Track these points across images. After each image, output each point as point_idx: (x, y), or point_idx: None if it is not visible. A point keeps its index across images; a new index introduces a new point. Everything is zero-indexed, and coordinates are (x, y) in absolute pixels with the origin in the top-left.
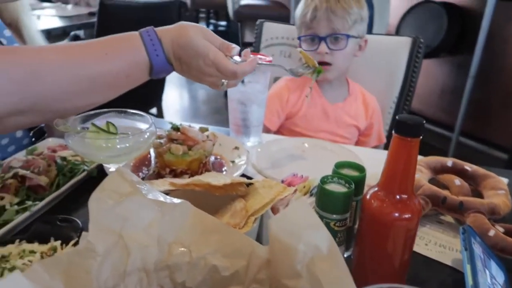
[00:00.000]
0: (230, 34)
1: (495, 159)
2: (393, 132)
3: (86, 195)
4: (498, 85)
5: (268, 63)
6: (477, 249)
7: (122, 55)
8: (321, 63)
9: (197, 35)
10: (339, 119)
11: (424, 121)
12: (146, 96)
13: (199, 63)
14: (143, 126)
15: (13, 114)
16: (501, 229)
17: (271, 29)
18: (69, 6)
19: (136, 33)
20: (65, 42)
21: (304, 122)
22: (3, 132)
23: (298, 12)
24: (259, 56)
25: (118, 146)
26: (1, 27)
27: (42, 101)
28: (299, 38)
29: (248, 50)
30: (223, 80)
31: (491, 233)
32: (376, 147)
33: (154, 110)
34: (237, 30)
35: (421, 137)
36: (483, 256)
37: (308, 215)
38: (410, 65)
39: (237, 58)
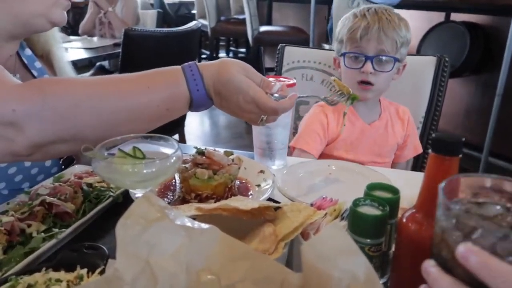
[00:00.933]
0: (250, 60)
1: None
2: (429, 151)
3: (112, 221)
4: None
5: (306, 96)
6: None
7: (164, 89)
8: (363, 82)
9: (238, 72)
10: (378, 137)
11: (464, 139)
12: (168, 122)
13: (239, 99)
14: (169, 151)
15: (55, 143)
16: None
17: (292, 53)
18: (95, 39)
19: (178, 67)
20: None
21: (343, 145)
22: (42, 159)
23: (343, 27)
24: (281, 78)
25: (145, 171)
26: (32, 59)
27: (84, 131)
28: (343, 54)
29: (284, 84)
30: (262, 116)
31: None
32: (414, 158)
33: (176, 136)
34: (257, 56)
35: (460, 155)
36: None
37: (343, 240)
38: (436, 84)
39: (276, 94)
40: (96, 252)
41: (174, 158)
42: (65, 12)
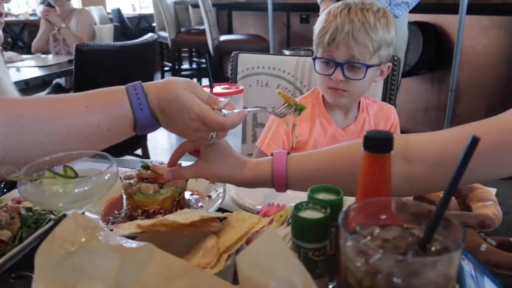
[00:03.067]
0: (213, 70)
1: (494, 183)
2: (362, 149)
3: None
4: (479, 97)
5: (253, 108)
6: (468, 266)
7: (104, 108)
8: (334, 89)
9: (184, 88)
10: None
11: (393, 136)
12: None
13: (184, 117)
14: (105, 167)
15: None
16: (494, 242)
17: (246, 60)
18: (50, 56)
19: (122, 87)
20: (47, 94)
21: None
22: None
23: (316, 28)
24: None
25: (76, 191)
26: None
27: (17, 153)
28: (314, 59)
29: (230, 101)
30: (211, 134)
31: (483, 247)
32: None
33: (139, 151)
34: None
35: (391, 151)
36: (474, 273)
37: (278, 247)
38: (387, 82)
39: (224, 110)
40: (26, 281)
41: (108, 174)
42: None
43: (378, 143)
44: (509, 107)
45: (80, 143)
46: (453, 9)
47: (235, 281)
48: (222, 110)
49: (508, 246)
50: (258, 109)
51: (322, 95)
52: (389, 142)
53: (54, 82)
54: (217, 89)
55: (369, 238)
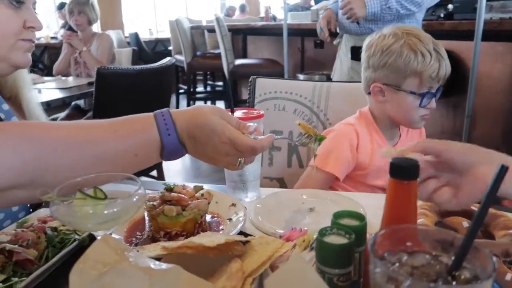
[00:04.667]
0: (227, 94)
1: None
2: (389, 176)
3: None
4: (495, 122)
5: (280, 137)
6: None
7: (132, 133)
8: (426, 115)
9: (214, 114)
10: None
11: (419, 163)
12: None
13: (215, 141)
14: (132, 189)
15: (14, 188)
16: None
17: (264, 85)
18: (70, 78)
19: (150, 114)
20: (66, 115)
21: (376, 172)
22: (4, 206)
23: (417, 63)
24: (245, 110)
25: (105, 212)
26: (0, 101)
27: (45, 176)
28: (423, 94)
29: (257, 126)
30: (240, 159)
31: (508, 277)
32: None
33: (154, 173)
34: (233, 88)
35: (418, 179)
36: None
37: (307, 272)
38: None
39: (251, 136)
40: None
41: (136, 196)
42: (28, 54)
43: (404, 171)
44: None
45: (107, 168)
46: (468, 36)
47: None
48: (251, 136)
49: None
50: (285, 137)
51: (373, 116)
52: (415, 169)
53: (73, 103)
54: (238, 113)
55: (397, 264)
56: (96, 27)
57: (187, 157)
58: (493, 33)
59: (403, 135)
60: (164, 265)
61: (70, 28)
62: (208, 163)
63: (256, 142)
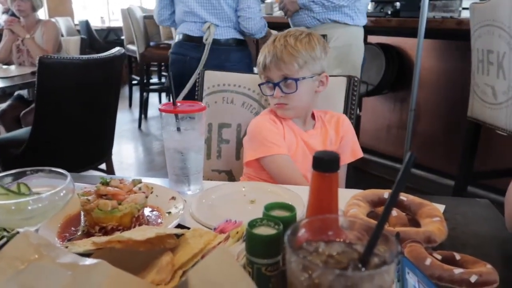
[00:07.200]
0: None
1: (444, 187)
2: (312, 168)
3: None
4: (437, 115)
5: None
6: (412, 279)
7: None
8: (279, 104)
9: None
10: (316, 144)
11: (339, 156)
12: (94, 151)
13: None
14: (61, 183)
15: None
16: (439, 257)
17: (212, 77)
18: (12, 67)
19: None
20: (8, 106)
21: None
22: None
23: (258, 60)
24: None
25: (30, 208)
26: None
27: None
28: (259, 85)
29: None
30: None
31: (427, 262)
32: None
33: (103, 166)
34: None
35: (337, 171)
36: (418, 285)
37: (229, 263)
38: (347, 102)
39: None
40: None
41: (64, 191)
42: None
43: (326, 163)
44: (465, 126)
45: None
46: (413, 33)
47: None
48: None
49: (452, 260)
50: None
51: None
52: (335, 162)
53: (16, 93)
54: (183, 106)
55: (314, 254)
56: (42, 14)
57: (140, 150)
58: (435, 31)
59: (317, 123)
60: (89, 261)
61: (12, 14)
62: None
63: None
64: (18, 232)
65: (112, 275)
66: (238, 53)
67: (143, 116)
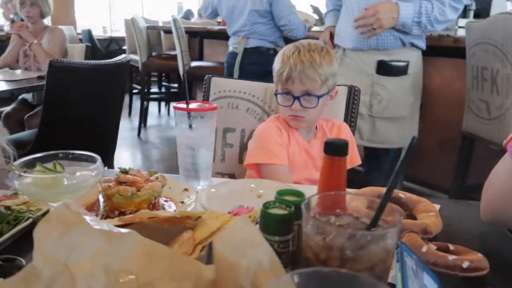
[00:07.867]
0: (182, 96)
1: (440, 201)
2: (323, 153)
3: (32, 243)
4: (433, 129)
5: None
6: (410, 262)
7: None
8: (294, 116)
9: None
10: (317, 153)
11: (347, 142)
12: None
13: None
14: (92, 165)
15: None
16: (434, 247)
17: (218, 84)
18: (18, 71)
19: None
20: (12, 108)
21: (294, 166)
22: None
23: (275, 67)
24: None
25: (65, 183)
26: None
27: None
28: (275, 94)
29: None
30: None
31: (424, 249)
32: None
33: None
34: (188, 90)
35: (347, 155)
36: (415, 267)
37: (250, 232)
38: (348, 110)
39: None
40: (13, 264)
41: (95, 171)
42: None
43: (336, 148)
44: (458, 141)
45: None
46: None
47: None
48: None
49: (446, 250)
50: None
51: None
52: (344, 147)
53: (20, 97)
54: (194, 105)
55: (326, 223)
56: (47, 22)
57: (138, 158)
58: (432, 48)
59: (318, 133)
60: (122, 230)
61: (21, 20)
62: None
63: None
64: (44, 214)
65: (142, 243)
66: None
67: (142, 124)
